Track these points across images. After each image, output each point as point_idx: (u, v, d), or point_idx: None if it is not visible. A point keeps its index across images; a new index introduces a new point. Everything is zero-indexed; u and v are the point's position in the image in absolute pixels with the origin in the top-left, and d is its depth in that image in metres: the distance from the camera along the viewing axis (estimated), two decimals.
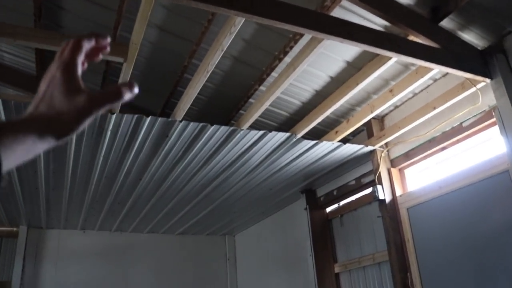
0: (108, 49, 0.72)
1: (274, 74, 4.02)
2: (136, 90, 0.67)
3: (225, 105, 4.78)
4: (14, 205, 5.64)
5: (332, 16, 2.99)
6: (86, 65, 0.70)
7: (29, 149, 0.58)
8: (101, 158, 4.31)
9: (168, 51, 4.19)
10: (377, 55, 3.43)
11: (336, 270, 5.31)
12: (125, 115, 3.62)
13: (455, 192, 3.83)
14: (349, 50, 3.77)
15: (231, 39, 2.93)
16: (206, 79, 3.42)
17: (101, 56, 0.72)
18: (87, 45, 0.67)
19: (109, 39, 0.70)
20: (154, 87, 4.79)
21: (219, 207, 6.10)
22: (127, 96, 0.66)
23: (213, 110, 4.87)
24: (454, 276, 3.76)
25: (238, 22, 2.70)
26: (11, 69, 4.75)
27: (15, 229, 6.53)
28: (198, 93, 4.59)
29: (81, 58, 0.66)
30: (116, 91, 0.65)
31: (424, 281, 4.01)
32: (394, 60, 3.30)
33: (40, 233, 6.70)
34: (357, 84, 3.58)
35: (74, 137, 3.89)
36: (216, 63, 3.22)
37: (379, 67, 3.34)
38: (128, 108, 4.97)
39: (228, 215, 6.61)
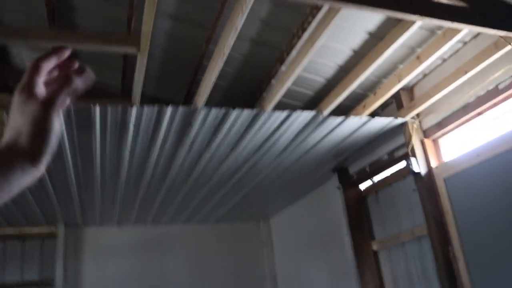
0: (77, 65, 0.69)
1: (294, 52, 3.88)
2: (90, 72, 0.65)
3: (248, 89, 4.69)
4: (49, 205, 5.73)
5: None
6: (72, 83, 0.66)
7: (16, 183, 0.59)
8: (128, 151, 4.30)
9: (184, 40, 4.12)
10: (400, 22, 3.25)
11: (374, 248, 5.18)
12: (145, 107, 3.57)
13: (494, 159, 3.63)
14: (371, 20, 3.58)
15: (244, 18, 2.81)
16: (223, 63, 3.32)
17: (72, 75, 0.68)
18: (48, 64, 0.66)
19: (69, 50, 0.69)
20: (175, 77, 4.74)
21: (252, 192, 6.04)
22: (81, 81, 0.64)
23: (236, 95, 4.78)
24: (499, 246, 3.58)
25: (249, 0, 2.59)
26: None
27: (53, 228, 6.66)
28: (219, 79, 4.53)
29: (41, 79, 0.65)
30: (66, 79, 0.64)
31: (467, 253, 3.84)
32: (418, 25, 3.11)
33: (78, 231, 6.82)
34: (380, 55, 3.40)
35: (97, 133, 3.88)
36: (231, 45, 3.11)
37: (402, 33, 3.16)
38: (150, 100, 4.95)
39: (261, 199, 6.55)
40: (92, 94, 4.09)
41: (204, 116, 3.80)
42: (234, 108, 3.84)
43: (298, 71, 3.53)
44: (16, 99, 0.64)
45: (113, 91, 4.89)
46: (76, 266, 6.65)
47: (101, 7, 3.87)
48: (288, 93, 4.60)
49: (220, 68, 3.41)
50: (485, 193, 3.70)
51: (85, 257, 6.75)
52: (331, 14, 2.89)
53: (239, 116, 3.87)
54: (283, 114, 3.90)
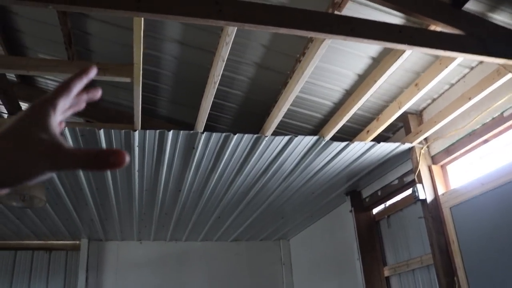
0: (99, 93, 0.64)
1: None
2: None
3: (256, 111, 4.74)
4: (71, 221, 5.96)
5: (334, 14, 2.85)
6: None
7: None
8: (136, 173, 4.44)
9: (192, 64, 4.23)
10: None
11: (386, 273, 5.07)
12: (148, 131, 3.69)
13: (499, 188, 3.50)
14: (372, 46, 3.58)
15: (229, 49, 2.88)
16: (215, 90, 3.40)
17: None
18: (79, 84, 0.58)
19: (95, 69, 0.61)
20: (187, 100, 4.85)
21: (266, 213, 6.06)
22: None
23: (245, 117, 4.84)
24: (505, 280, 3.43)
25: (231, 31, 2.65)
26: None
27: (77, 242, 6.92)
28: (229, 102, 4.62)
29: (67, 101, 0.57)
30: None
31: (472, 285, 3.70)
32: (408, 53, 3.08)
33: (100, 245, 7.04)
34: (375, 81, 3.38)
35: None
36: (220, 74, 3.18)
37: (395, 61, 3.13)
38: (166, 121, 5.08)
39: (276, 220, 6.55)
40: (108, 115, 4.21)
41: (206, 140, 3.89)
42: (240, 131, 3.90)
43: (291, 98, 3.56)
44: (27, 113, 0.53)
45: (128, 112, 5.06)
46: (97, 278, 6.85)
47: (113, 32, 4.04)
48: (298, 116, 4.63)
49: (213, 95, 3.48)
50: (490, 224, 3.57)
51: (106, 270, 6.95)
52: (317, 43, 2.91)
53: (240, 140, 3.93)
54: (284, 139, 3.94)
